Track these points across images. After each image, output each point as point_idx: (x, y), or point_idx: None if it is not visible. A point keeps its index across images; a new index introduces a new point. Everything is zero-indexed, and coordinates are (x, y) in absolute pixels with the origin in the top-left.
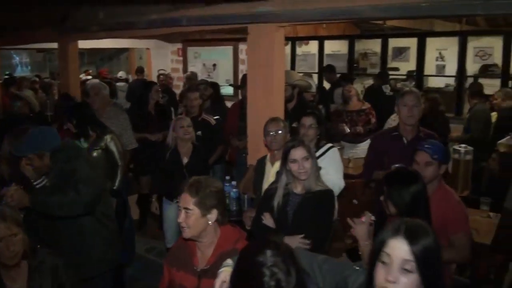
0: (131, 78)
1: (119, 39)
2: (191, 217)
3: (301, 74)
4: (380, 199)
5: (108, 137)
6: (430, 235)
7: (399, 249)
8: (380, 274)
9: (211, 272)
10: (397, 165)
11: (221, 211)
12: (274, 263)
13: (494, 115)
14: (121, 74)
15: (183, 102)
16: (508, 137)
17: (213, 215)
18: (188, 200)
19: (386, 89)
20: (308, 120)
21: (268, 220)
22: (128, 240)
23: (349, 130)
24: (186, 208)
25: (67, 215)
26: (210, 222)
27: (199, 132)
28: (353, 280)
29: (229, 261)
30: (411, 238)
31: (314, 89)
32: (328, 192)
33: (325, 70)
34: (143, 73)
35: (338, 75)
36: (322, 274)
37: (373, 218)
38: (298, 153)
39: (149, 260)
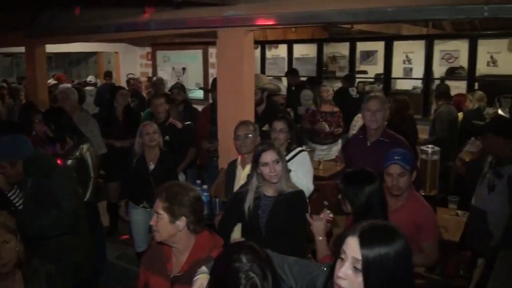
0: (99, 82)
1: (87, 43)
2: (160, 222)
3: (270, 78)
4: (338, 197)
5: (84, 147)
6: (390, 243)
7: (352, 247)
8: (336, 269)
9: (184, 279)
10: None
11: (192, 219)
12: (250, 268)
13: (461, 115)
14: (90, 78)
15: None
16: (468, 144)
17: (182, 222)
18: (158, 205)
19: (353, 91)
20: (279, 124)
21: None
22: (99, 247)
23: (328, 129)
24: (156, 212)
25: (54, 233)
26: (179, 229)
27: (167, 137)
28: (321, 281)
29: (204, 268)
30: (364, 240)
31: (284, 91)
32: (300, 192)
33: (288, 74)
34: (112, 77)
35: (302, 78)
36: (293, 276)
37: (331, 215)
38: (269, 156)
39: (120, 267)
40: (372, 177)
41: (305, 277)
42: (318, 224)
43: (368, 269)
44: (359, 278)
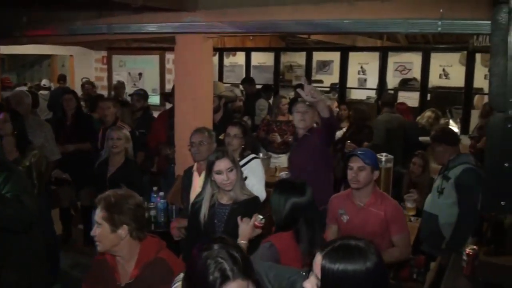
0: (53, 86)
1: (41, 45)
2: (101, 232)
3: (228, 85)
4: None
5: (32, 155)
6: (351, 262)
7: (317, 264)
8: (306, 280)
9: (136, 284)
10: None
11: (134, 226)
12: (218, 254)
13: None
14: (44, 82)
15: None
16: (406, 201)
17: (124, 231)
18: (98, 214)
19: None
20: (233, 130)
21: None
22: (51, 256)
23: (280, 140)
24: (97, 222)
25: (15, 228)
26: (122, 238)
27: None
28: (300, 285)
29: (182, 275)
30: (325, 258)
31: (240, 94)
32: (255, 199)
33: (244, 82)
34: (66, 81)
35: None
36: (270, 281)
37: (263, 221)
38: (222, 164)
39: (73, 277)
40: (301, 190)
41: (283, 281)
42: (243, 227)
43: (324, 285)
44: None
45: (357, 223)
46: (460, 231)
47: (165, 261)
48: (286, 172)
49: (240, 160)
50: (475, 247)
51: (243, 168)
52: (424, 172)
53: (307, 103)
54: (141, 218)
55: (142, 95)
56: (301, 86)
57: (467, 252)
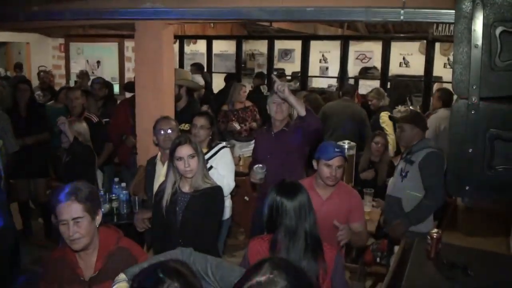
0: (10, 74)
1: None
2: (83, 225)
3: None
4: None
5: None
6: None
7: None
8: None
9: (101, 276)
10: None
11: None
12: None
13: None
14: None
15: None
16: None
17: (99, 216)
18: (76, 209)
19: (264, 89)
20: (200, 121)
21: None
22: (12, 251)
23: (239, 127)
24: (76, 218)
25: None
26: (96, 225)
27: None
28: None
29: (122, 276)
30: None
31: (203, 84)
32: (216, 188)
33: (192, 66)
34: (22, 69)
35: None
36: (218, 281)
37: None
38: (184, 150)
39: (34, 272)
40: (289, 193)
41: (230, 279)
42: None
43: None
44: None
45: (321, 215)
46: (423, 207)
47: (128, 250)
48: (261, 165)
49: (208, 151)
50: (439, 230)
51: (212, 158)
52: (385, 151)
53: None
54: None
55: (102, 83)
56: (259, 75)
57: (431, 235)
